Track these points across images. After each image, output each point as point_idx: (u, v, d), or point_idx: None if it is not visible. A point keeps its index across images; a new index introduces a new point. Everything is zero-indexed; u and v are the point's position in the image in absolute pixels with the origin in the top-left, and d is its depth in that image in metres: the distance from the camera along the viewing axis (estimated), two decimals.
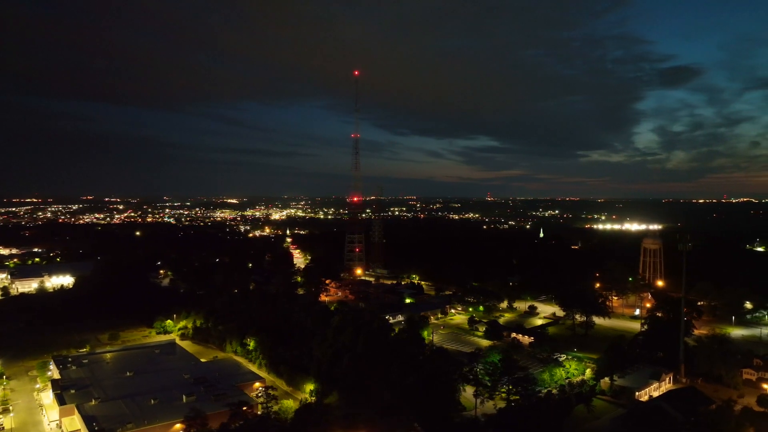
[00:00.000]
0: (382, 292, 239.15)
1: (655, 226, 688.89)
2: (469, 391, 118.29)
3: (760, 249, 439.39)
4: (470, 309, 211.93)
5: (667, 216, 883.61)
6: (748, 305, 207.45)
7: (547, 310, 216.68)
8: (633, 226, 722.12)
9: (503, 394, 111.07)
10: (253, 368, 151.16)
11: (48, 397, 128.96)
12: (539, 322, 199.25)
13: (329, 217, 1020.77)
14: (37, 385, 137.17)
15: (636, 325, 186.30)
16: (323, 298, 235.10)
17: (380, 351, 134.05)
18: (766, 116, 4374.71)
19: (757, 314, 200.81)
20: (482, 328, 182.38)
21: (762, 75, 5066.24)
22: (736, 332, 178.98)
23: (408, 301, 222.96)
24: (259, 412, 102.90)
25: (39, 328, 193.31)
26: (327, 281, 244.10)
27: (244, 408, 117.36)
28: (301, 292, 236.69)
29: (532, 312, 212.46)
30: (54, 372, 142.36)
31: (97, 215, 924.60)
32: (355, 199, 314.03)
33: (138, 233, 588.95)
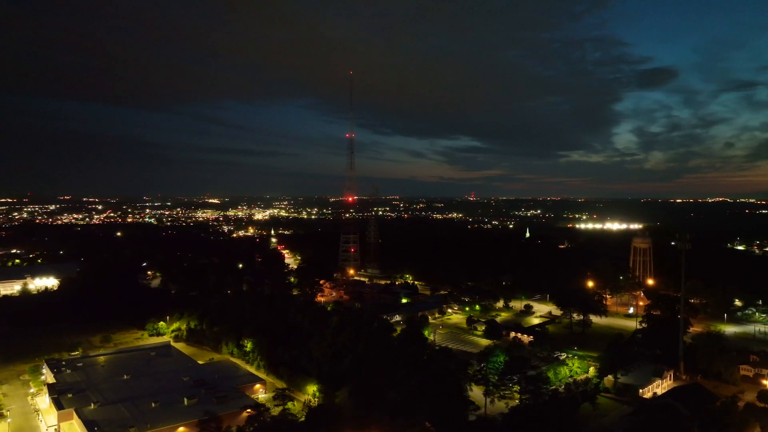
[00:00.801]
0: (377, 292, 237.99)
1: (635, 226, 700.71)
2: (476, 391, 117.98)
3: (740, 247, 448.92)
4: (467, 308, 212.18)
5: (646, 215, 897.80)
6: (738, 303, 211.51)
7: (542, 309, 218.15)
8: (614, 226, 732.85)
9: (515, 394, 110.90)
10: (251, 369, 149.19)
11: (44, 401, 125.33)
12: (536, 321, 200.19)
13: (312, 217, 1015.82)
14: (31, 390, 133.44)
15: (631, 323, 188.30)
16: (319, 298, 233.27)
17: (383, 351, 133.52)
18: (740, 118, 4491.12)
19: (747, 312, 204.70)
20: (481, 328, 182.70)
21: (735, 77, 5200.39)
22: (729, 329, 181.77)
23: (404, 301, 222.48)
24: (273, 414, 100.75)
25: (26, 331, 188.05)
26: (321, 281, 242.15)
27: (249, 411, 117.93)
28: (295, 292, 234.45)
29: (528, 311, 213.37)
30: (48, 376, 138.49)
31: (75, 215, 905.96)
32: (350, 199, 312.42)
33: (119, 234, 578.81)
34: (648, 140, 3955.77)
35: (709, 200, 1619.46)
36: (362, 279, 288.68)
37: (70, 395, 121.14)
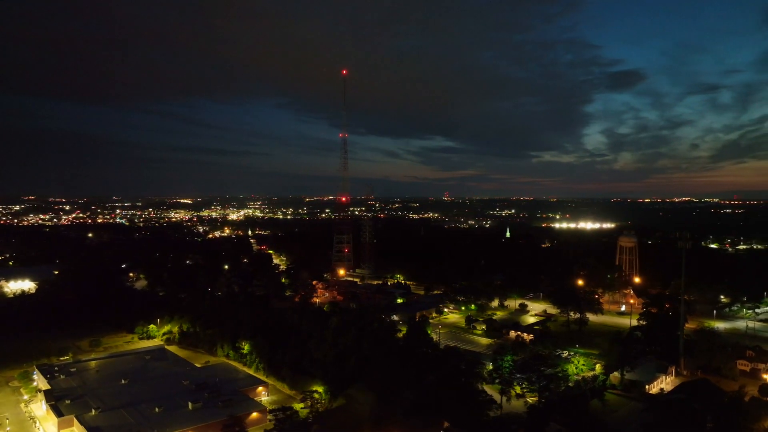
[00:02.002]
0: (372, 293, 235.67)
1: (608, 225, 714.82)
2: (487, 389, 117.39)
3: (713, 246, 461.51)
4: (463, 308, 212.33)
5: (617, 215, 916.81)
6: (723, 299, 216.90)
7: (536, 307, 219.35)
8: (588, 225, 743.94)
9: (534, 392, 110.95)
10: (250, 372, 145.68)
11: (40, 408, 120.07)
12: (532, 319, 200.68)
13: (288, 217, 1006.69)
14: (25, 397, 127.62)
15: (625, 321, 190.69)
16: (313, 299, 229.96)
17: (389, 351, 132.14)
18: (704, 120, 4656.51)
19: (734, 308, 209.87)
20: (480, 327, 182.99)
21: (700, 81, 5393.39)
22: (719, 326, 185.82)
23: (399, 301, 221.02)
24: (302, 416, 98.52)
25: (8, 336, 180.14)
26: (314, 282, 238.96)
27: (256, 414, 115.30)
28: (287, 293, 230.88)
29: (523, 310, 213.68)
30: (40, 382, 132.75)
31: (42, 216, 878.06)
32: (343, 199, 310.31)
33: (91, 235, 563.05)
34: (617, 141, 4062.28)
35: (676, 200, 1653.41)
36: (354, 279, 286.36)
37: (68, 401, 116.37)
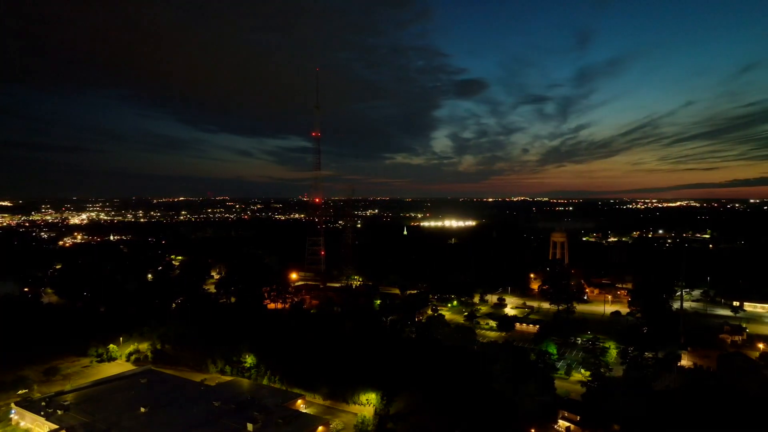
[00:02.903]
0: (367, 295, 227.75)
1: (470, 222, 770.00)
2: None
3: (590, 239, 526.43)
4: (462, 308, 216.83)
5: (474, 213, 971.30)
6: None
7: (515, 302, 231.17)
8: (454, 223, 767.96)
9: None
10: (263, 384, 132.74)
11: None
12: (513, 312, 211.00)
13: (141, 219, 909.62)
14: None
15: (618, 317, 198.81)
16: (311, 301, 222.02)
17: (397, 352, 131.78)
18: (533, 128, 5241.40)
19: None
20: (479, 327, 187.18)
21: (530, 92, 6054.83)
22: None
23: (396, 301, 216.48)
24: None
25: None
26: (310, 283, 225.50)
27: (321, 428, 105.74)
28: (281, 297, 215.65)
29: (523, 307, 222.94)
30: (27, 421, 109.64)
31: None
32: (317, 200, 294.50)
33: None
34: (461, 145, 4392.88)
35: (514, 199, 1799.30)
36: (350, 282, 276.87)
37: None
